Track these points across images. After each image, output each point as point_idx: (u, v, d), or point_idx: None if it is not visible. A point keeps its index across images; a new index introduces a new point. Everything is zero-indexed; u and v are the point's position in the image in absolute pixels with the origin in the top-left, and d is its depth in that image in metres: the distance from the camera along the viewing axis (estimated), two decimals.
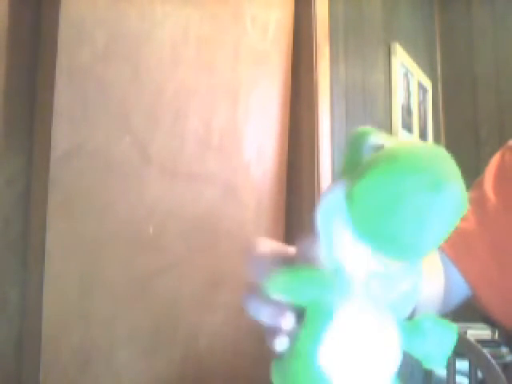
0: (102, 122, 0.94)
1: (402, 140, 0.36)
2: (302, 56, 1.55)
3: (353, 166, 0.33)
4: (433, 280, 0.63)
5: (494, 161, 0.73)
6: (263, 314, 0.36)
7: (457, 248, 0.66)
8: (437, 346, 0.34)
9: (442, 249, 0.66)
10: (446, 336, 0.34)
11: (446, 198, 0.29)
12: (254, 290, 0.37)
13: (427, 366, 0.35)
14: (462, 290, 0.68)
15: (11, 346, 0.84)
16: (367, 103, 1.95)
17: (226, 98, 1.28)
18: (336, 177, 0.35)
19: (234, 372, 1.30)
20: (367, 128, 0.35)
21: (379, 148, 0.34)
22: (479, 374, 1.27)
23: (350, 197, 0.31)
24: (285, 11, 1.51)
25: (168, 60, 1.09)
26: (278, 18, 1.46)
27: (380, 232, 0.30)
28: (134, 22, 1.00)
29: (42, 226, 0.84)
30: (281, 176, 1.49)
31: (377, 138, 0.34)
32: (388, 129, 2.13)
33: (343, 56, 1.76)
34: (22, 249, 0.86)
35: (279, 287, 0.34)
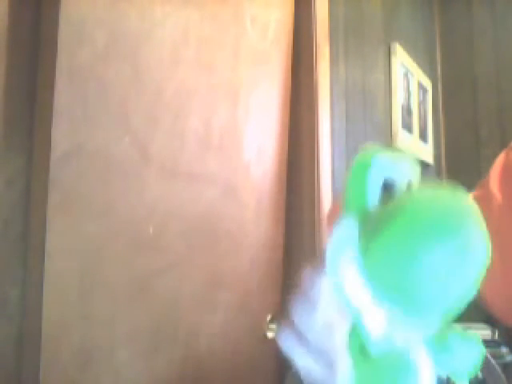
0: (102, 122, 0.94)
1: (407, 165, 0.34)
2: (301, 56, 1.55)
3: (359, 197, 0.32)
4: None
5: (499, 160, 0.74)
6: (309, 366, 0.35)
7: None
8: (464, 362, 0.34)
9: None
10: (473, 351, 0.34)
11: (468, 259, 0.29)
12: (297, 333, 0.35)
13: (455, 380, 0.34)
14: None
15: (11, 346, 0.84)
16: (367, 103, 1.95)
17: (226, 98, 1.28)
18: (340, 203, 0.33)
19: (234, 372, 1.30)
20: (370, 152, 0.33)
21: (387, 183, 0.32)
22: (479, 374, 1.27)
23: (366, 255, 0.30)
24: (285, 11, 1.51)
25: (168, 60, 1.09)
26: (277, 18, 1.46)
27: (398, 293, 0.30)
28: (134, 22, 1.00)
29: (42, 226, 0.84)
30: (281, 176, 1.49)
31: (383, 167, 0.32)
32: (388, 129, 2.13)
33: (343, 56, 1.76)
34: (22, 249, 0.86)
35: None
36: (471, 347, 0.34)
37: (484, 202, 0.69)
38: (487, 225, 0.67)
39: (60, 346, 0.87)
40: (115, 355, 0.97)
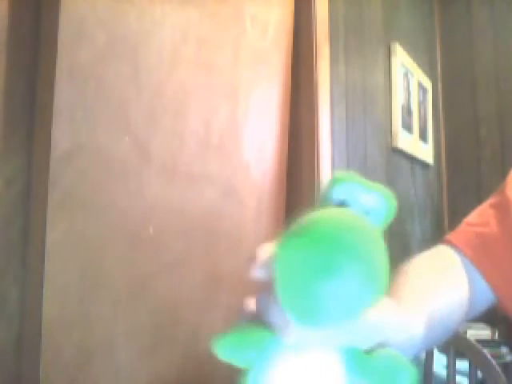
0: (102, 122, 0.94)
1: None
2: (301, 56, 1.55)
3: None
4: (454, 289, 0.62)
5: None
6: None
7: (478, 252, 0.66)
8: (385, 380, 0.35)
9: (464, 254, 0.66)
10: (398, 376, 0.35)
11: (340, 280, 0.31)
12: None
13: None
14: (486, 295, 0.67)
15: (11, 346, 0.84)
16: (367, 103, 1.95)
17: (226, 98, 1.28)
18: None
19: (234, 372, 1.30)
20: (342, 175, 0.37)
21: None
22: (479, 374, 1.27)
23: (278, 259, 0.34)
24: (285, 11, 1.51)
25: (168, 60, 1.09)
26: (277, 18, 1.47)
27: (291, 298, 0.33)
28: (133, 22, 1.00)
29: (42, 225, 0.84)
30: (281, 176, 1.49)
31: (341, 190, 0.36)
32: (388, 129, 2.13)
33: (343, 56, 1.76)
34: (22, 249, 0.86)
35: (224, 351, 0.38)
36: (397, 371, 0.35)
37: (501, 208, 0.69)
38: (505, 230, 0.67)
39: (60, 346, 0.87)
40: (115, 355, 0.97)
